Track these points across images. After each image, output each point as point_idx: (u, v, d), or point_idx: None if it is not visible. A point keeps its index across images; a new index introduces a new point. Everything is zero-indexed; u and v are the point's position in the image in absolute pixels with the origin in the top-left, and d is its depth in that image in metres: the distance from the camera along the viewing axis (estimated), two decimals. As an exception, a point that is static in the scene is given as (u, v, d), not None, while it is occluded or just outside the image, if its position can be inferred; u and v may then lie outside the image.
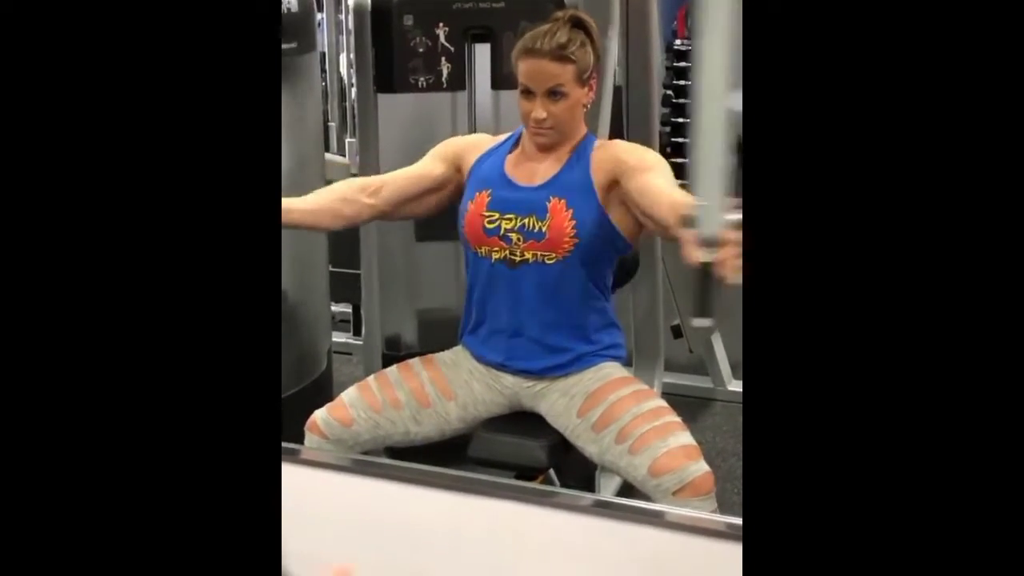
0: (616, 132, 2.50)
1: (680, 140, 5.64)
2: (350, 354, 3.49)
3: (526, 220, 1.75)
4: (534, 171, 1.81)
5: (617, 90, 2.52)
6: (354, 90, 3.53)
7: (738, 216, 1.26)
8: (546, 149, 1.80)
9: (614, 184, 1.75)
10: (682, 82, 5.90)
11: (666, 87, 5.43)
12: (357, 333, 3.67)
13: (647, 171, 1.72)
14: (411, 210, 1.92)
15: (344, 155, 3.46)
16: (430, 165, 1.90)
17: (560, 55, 1.70)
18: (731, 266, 1.24)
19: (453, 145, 1.93)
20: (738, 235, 1.23)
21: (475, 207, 1.79)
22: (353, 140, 3.51)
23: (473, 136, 2.00)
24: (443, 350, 1.97)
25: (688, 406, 2.82)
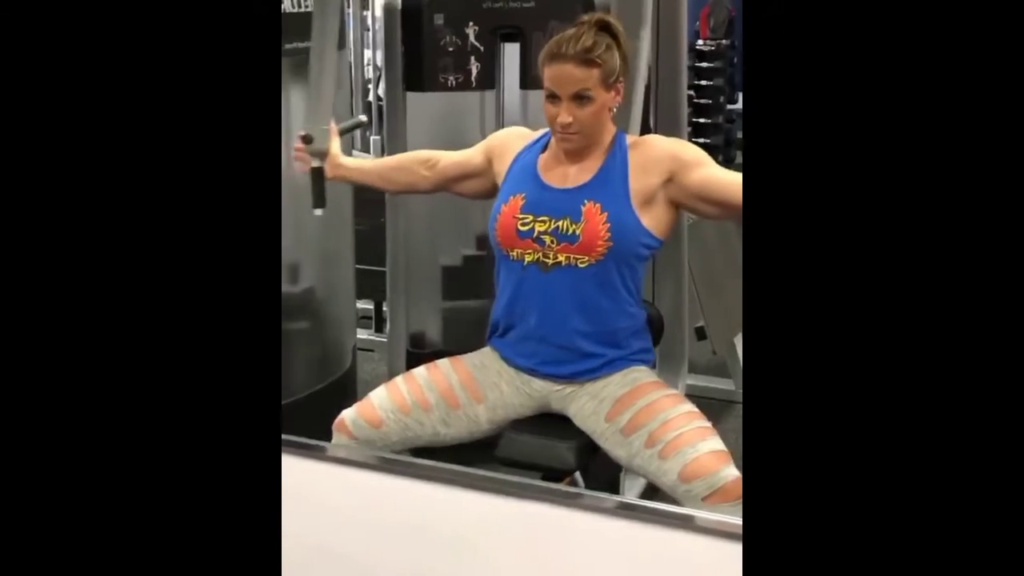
0: (644, 132, 2.50)
1: (703, 141, 5.65)
2: (372, 351, 3.50)
3: (560, 223, 1.74)
4: (566, 173, 1.80)
5: (645, 90, 2.52)
6: (379, 88, 3.54)
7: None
8: (574, 154, 1.79)
9: (666, 181, 1.75)
10: (704, 82, 5.90)
11: (688, 87, 5.43)
12: (379, 330, 3.67)
13: (704, 165, 1.75)
14: (458, 189, 2.02)
15: (369, 152, 3.46)
16: (472, 154, 1.97)
17: (585, 59, 1.69)
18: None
19: (492, 140, 1.98)
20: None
21: (509, 209, 1.79)
22: (378, 138, 3.52)
23: (508, 133, 2.00)
24: (467, 348, 1.97)
25: (711, 408, 2.81)
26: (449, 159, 2.00)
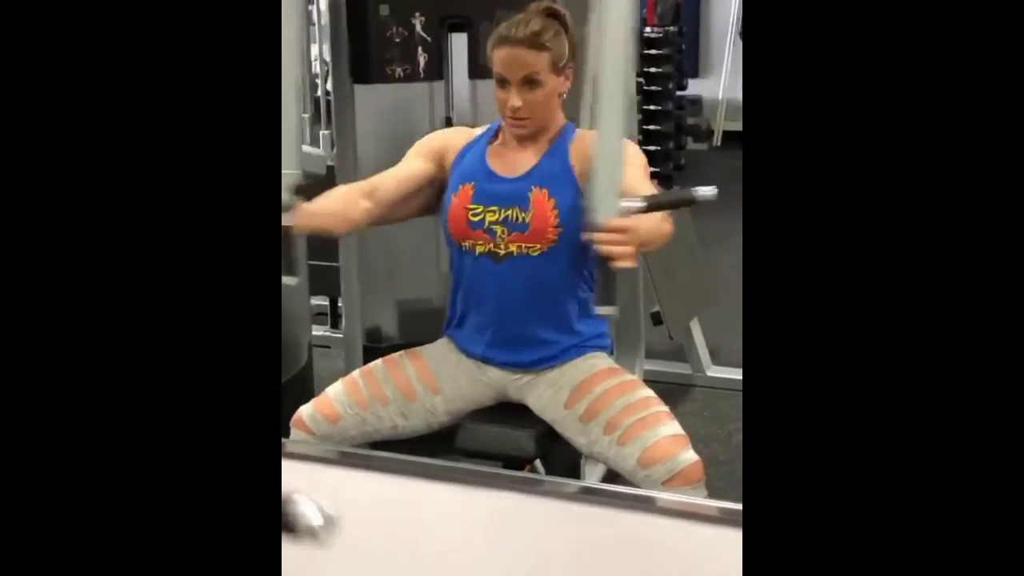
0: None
1: (652, 128, 5.68)
2: (328, 347, 3.47)
3: (509, 212, 1.74)
4: (515, 161, 1.80)
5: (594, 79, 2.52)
6: (326, 81, 3.51)
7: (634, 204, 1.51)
8: (524, 140, 1.79)
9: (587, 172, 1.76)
10: (652, 69, 5.92)
11: (636, 75, 5.45)
12: (334, 326, 3.65)
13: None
14: (403, 212, 1.87)
15: (318, 146, 3.43)
16: (415, 164, 1.86)
17: (535, 43, 1.70)
18: (616, 252, 1.46)
19: (434, 140, 1.90)
20: (626, 222, 1.47)
21: (459, 200, 1.78)
22: (327, 132, 3.48)
23: (452, 130, 1.99)
24: (424, 341, 1.96)
25: (668, 392, 2.84)
26: (389, 180, 1.81)
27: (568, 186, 1.74)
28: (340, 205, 1.75)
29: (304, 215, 1.64)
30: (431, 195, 1.88)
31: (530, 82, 1.71)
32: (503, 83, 1.72)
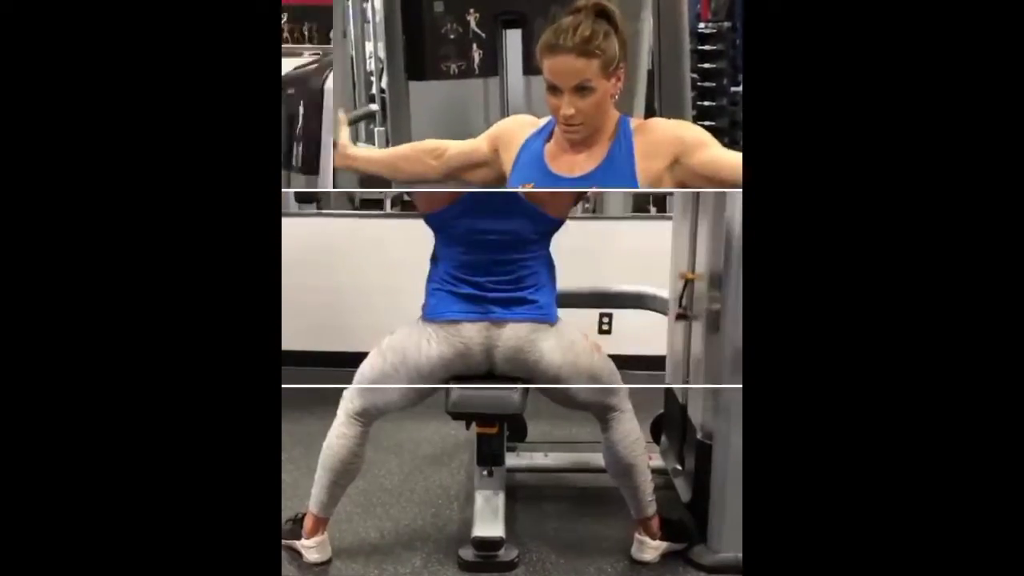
0: (649, 116, 2.49)
1: (708, 123, 5.61)
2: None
3: None
4: (573, 161, 1.81)
5: (648, 75, 2.51)
6: (380, 78, 3.53)
7: None
8: (579, 144, 1.79)
9: (672, 164, 1.75)
10: (707, 65, 5.86)
11: (691, 70, 5.38)
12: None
13: (707, 145, 1.74)
14: (466, 177, 2.02)
15: (374, 143, 3.45)
16: (478, 143, 1.98)
17: (585, 50, 1.69)
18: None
19: (497, 129, 1.99)
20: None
21: None
22: (382, 129, 3.50)
23: (513, 121, 2.00)
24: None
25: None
26: (456, 148, 2.00)
27: (631, 187, 1.75)
28: (394, 156, 2.04)
29: (354, 158, 2.01)
30: (486, 174, 1.98)
31: (582, 89, 1.71)
32: (555, 90, 1.73)
